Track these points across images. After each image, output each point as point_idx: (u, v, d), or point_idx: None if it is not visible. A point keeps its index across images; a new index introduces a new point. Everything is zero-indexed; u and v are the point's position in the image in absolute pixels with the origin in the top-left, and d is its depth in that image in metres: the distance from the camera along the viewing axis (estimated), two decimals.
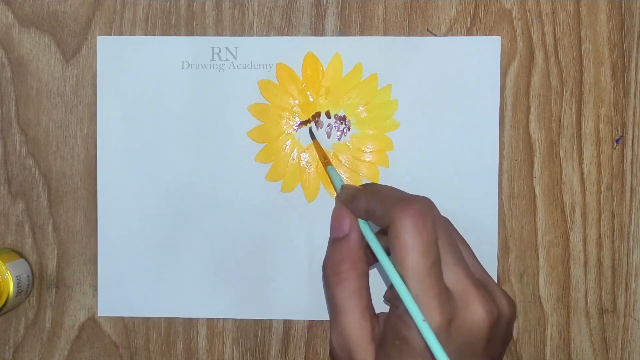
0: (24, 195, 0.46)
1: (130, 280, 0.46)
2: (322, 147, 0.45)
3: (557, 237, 0.45)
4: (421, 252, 0.36)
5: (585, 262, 0.45)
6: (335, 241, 0.40)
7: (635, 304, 0.45)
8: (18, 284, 0.43)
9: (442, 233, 0.37)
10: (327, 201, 0.46)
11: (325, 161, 0.44)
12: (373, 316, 0.39)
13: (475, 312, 0.36)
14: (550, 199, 0.45)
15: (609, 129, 0.45)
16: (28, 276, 0.45)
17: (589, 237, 0.45)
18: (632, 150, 0.45)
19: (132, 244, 0.46)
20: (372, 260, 0.40)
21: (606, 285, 0.45)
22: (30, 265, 0.45)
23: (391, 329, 0.37)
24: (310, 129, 0.45)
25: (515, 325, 0.46)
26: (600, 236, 0.45)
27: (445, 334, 0.36)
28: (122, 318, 0.46)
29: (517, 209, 0.45)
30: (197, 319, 0.46)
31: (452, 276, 0.37)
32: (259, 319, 0.46)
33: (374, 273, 0.45)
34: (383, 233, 0.38)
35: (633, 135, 0.45)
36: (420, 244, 0.36)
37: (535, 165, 0.45)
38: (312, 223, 0.46)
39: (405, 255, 0.36)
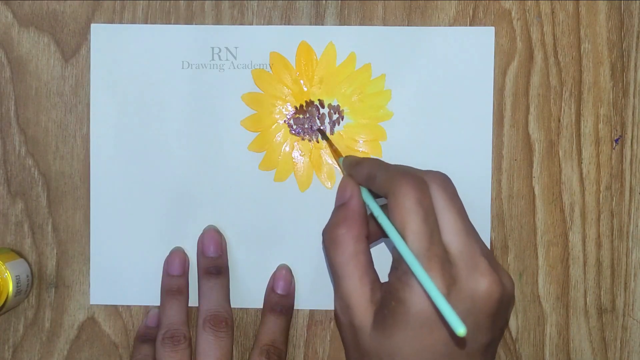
0: (23, 195, 0.46)
1: (124, 269, 0.46)
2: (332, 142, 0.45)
3: (557, 236, 0.45)
4: (422, 216, 0.37)
5: (585, 262, 0.45)
6: (336, 208, 0.41)
7: (634, 303, 0.45)
8: (17, 283, 0.43)
9: (456, 202, 0.38)
10: (320, 191, 0.46)
11: (337, 155, 0.45)
12: (374, 281, 0.39)
13: (480, 281, 0.37)
14: (549, 199, 0.45)
15: (608, 129, 0.45)
16: (27, 276, 0.45)
17: (588, 237, 0.45)
18: (631, 150, 0.45)
19: (125, 233, 0.46)
20: (376, 231, 0.41)
21: (605, 284, 0.45)
22: (30, 265, 0.45)
23: (389, 290, 0.38)
24: (321, 130, 0.45)
25: (514, 324, 0.46)
26: (599, 236, 0.45)
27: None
28: (121, 318, 0.46)
29: (516, 208, 0.45)
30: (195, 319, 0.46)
31: (461, 242, 0.37)
32: (257, 316, 0.46)
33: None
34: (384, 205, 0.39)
35: (632, 135, 0.45)
36: (422, 210, 0.37)
37: (535, 165, 0.45)
38: (304, 212, 0.46)
39: (408, 218, 0.37)
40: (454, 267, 0.37)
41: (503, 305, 0.38)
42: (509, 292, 0.38)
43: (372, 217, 0.40)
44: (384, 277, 0.40)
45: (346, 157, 0.44)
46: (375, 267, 0.40)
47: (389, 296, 0.37)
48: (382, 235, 0.41)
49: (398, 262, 0.38)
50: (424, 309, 0.36)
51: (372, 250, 0.41)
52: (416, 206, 0.37)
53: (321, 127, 0.45)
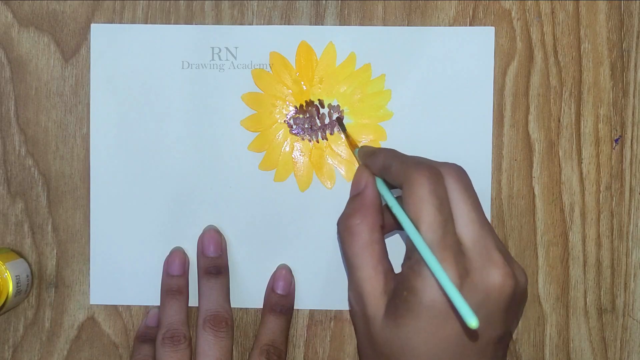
0: (23, 194, 0.46)
1: (124, 269, 0.46)
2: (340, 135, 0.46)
3: (557, 236, 0.45)
4: (436, 206, 0.36)
5: (585, 262, 0.45)
6: (351, 198, 0.42)
7: (634, 303, 0.45)
8: (17, 283, 0.43)
9: (471, 194, 0.38)
10: (320, 191, 0.46)
11: (354, 146, 0.45)
12: (388, 271, 0.39)
13: (493, 273, 0.36)
14: (549, 199, 0.45)
15: (608, 129, 0.45)
16: (27, 276, 0.45)
17: (588, 237, 0.45)
18: (631, 150, 0.45)
19: (125, 233, 0.46)
20: (391, 222, 0.41)
21: (605, 285, 0.45)
22: (30, 265, 0.45)
23: (402, 280, 0.38)
24: (339, 119, 0.45)
25: None
26: (599, 236, 0.45)
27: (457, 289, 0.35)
28: (121, 318, 0.46)
29: (516, 208, 0.45)
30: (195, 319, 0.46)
31: (475, 233, 0.37)
32: (257, 316, 0.46)
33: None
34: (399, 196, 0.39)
35: (632, 135, 0.45)
36: (436, 200, 0.37)
37: (535, 165, 0.45)
38: (304, 212, 0.46)
39: (422, 208, 0.37)
40: (467, 258, 0.36)
41: (516, 299, 0.38)
42: (522, 286, 0.38)
43: (387, 208, 0.40)
44: (398, 270, 0.40)
45: (362, 147, 0.44)
46: (390, 258, 0.40)
47: (401, 286, 0.37)
48: (397, 227, 0.41)
49: (411, 251, 0.38)
50: (436, 299, 0.36)
51: (386, 241, 0.41)
52: (431, 196, 0.37)
53: (338, 116, 0.45)
